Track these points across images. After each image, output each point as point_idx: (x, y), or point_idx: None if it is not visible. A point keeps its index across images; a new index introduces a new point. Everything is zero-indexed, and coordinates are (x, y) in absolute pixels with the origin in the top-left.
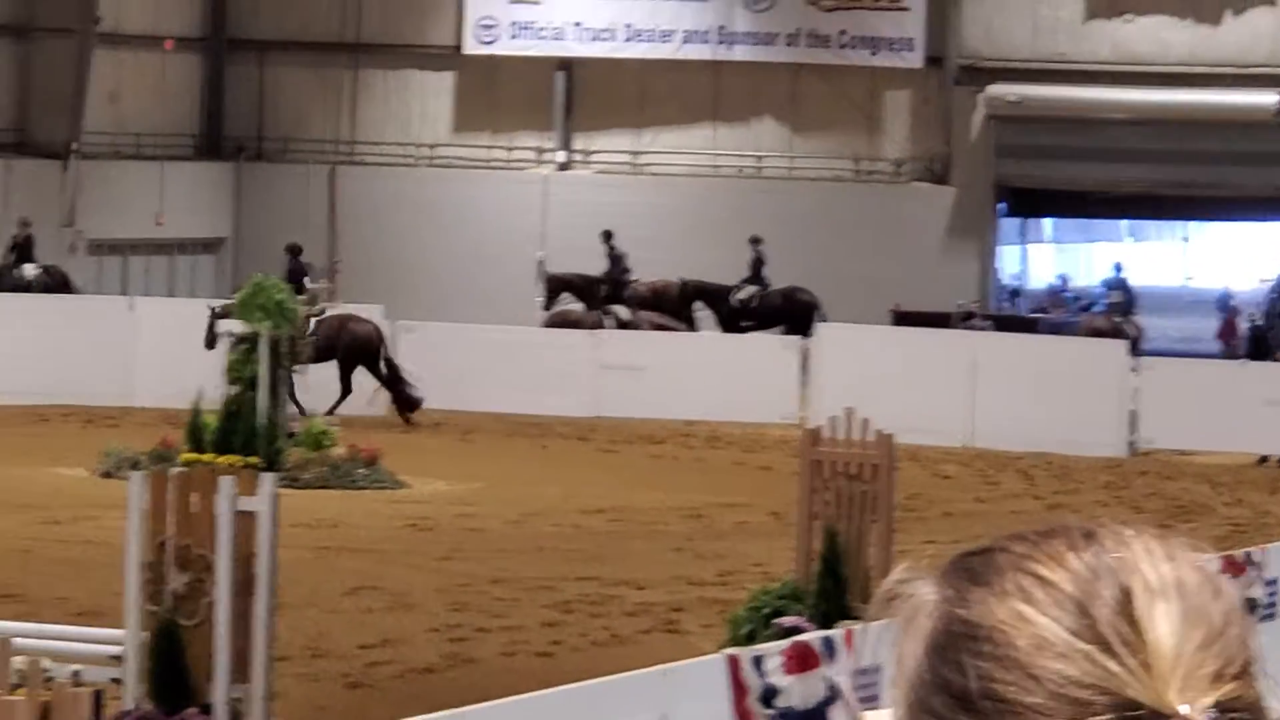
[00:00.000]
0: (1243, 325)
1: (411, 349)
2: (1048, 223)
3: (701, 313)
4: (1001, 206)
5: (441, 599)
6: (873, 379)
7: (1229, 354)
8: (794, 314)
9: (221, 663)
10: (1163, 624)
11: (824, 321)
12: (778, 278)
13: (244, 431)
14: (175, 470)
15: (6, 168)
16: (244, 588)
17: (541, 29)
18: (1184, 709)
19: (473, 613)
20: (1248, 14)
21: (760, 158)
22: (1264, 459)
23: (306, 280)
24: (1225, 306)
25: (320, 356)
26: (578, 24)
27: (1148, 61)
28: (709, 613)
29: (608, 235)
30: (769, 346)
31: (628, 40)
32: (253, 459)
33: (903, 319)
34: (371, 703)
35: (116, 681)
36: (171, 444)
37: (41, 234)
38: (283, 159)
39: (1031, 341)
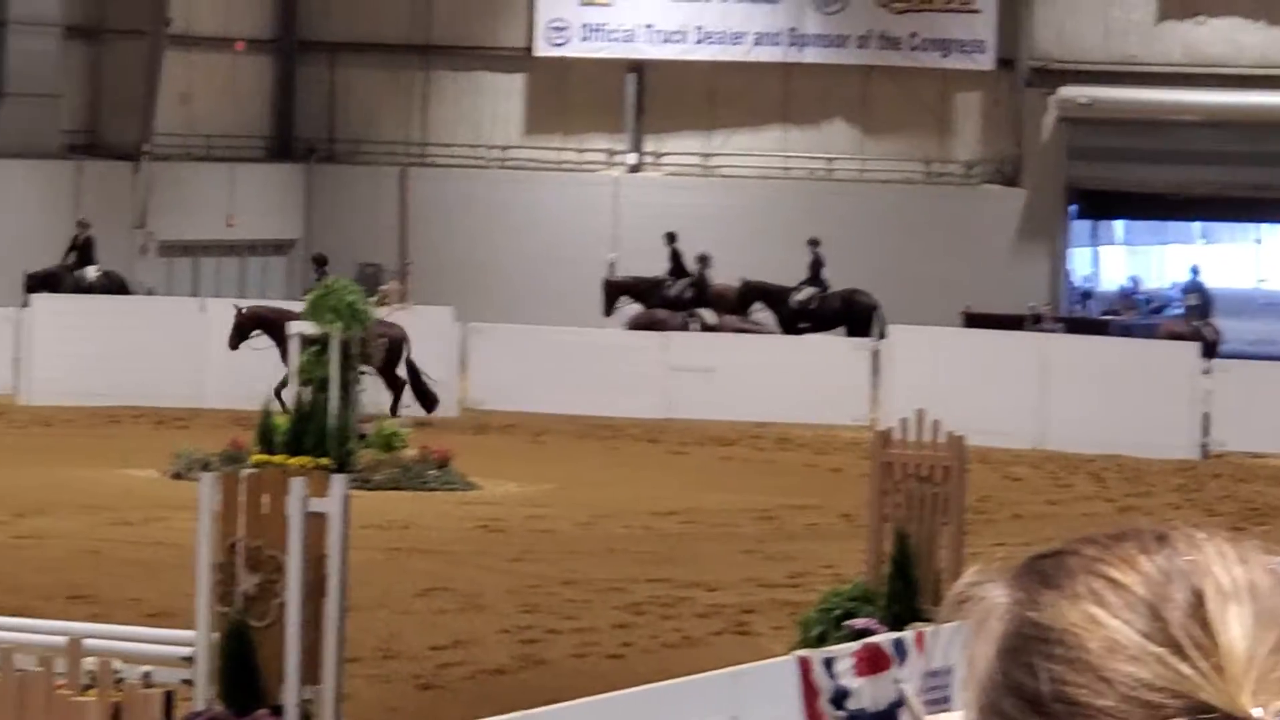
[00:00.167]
0: None
1: (482, 351)
2: (1119, 225)
3: (761, 314)
4: (1073, 209)
5: (513, 600)
6: (943, 381)
7: None
8: (853, 316)
9: (292, 664)
10: (1235, 627)
11: (882, 324)
12: (849, 279)
13: (315, 433)
14: (246, 471)
15: (78, 169)
16: (315, 589)
17: (612, 31)
18: (1257, 712)
19: (544, 614)
20: None
21: (831, 160)
22: None
23: None
24: None
25: None
26: (649, 26)
27: (1220, 63)
28: (780, 615)
29: (671, 237)
30: (839, 348)
31: (699, 42)
32: (324, 460)
33: (973, 321)
34: (442, 704)
35: (187, 683)
36: (242, 445)
37: (113, 235)
38: (354, 161)
39: (1103, 344)
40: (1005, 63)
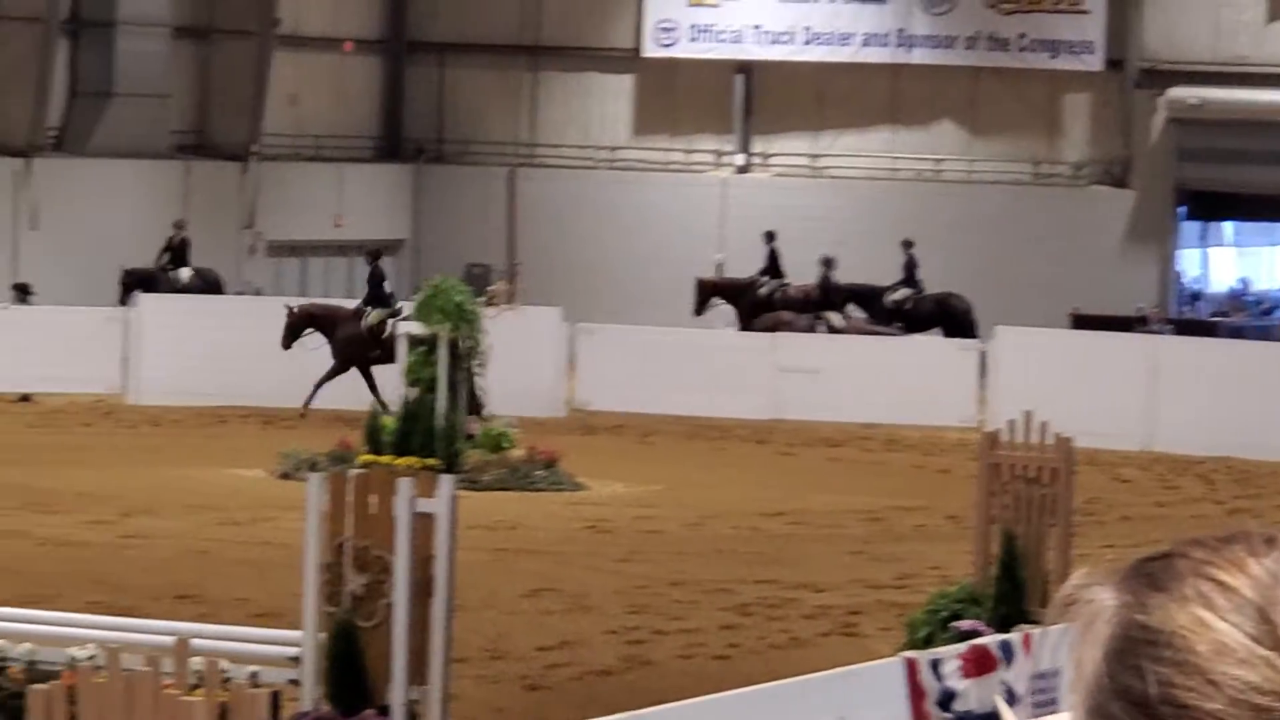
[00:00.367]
0: None
1: (590, 351)
2: (1228, 226)
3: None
4: (1181, 210)
5: (620, 601)
6: (1051, 382)
7: None
8: (946, 319)
9: (399, 664)
10: None
11: (973, 326)
12: (955, 281)
13: (422, 433)
14: (354, 472)
15: (186, 169)
16: (422, 589)
17: (720, 32)
18: None
19: (651, 615)
20: None
21: (939, 161)
22: None
23: (385, 285)
24: None
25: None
26: (757, 27)
27: None
28: (887, 616)
29: (769, 236)
30: (947, 349)
31: (807, 43)
32: (431, 460)
33: (1081, 322)
34: (549, 705)
35: (294, 683)
36: (350, 445)
37: (220, 235)
38: (462, 161)
39: (1212, 345)
40: (1114, 64)
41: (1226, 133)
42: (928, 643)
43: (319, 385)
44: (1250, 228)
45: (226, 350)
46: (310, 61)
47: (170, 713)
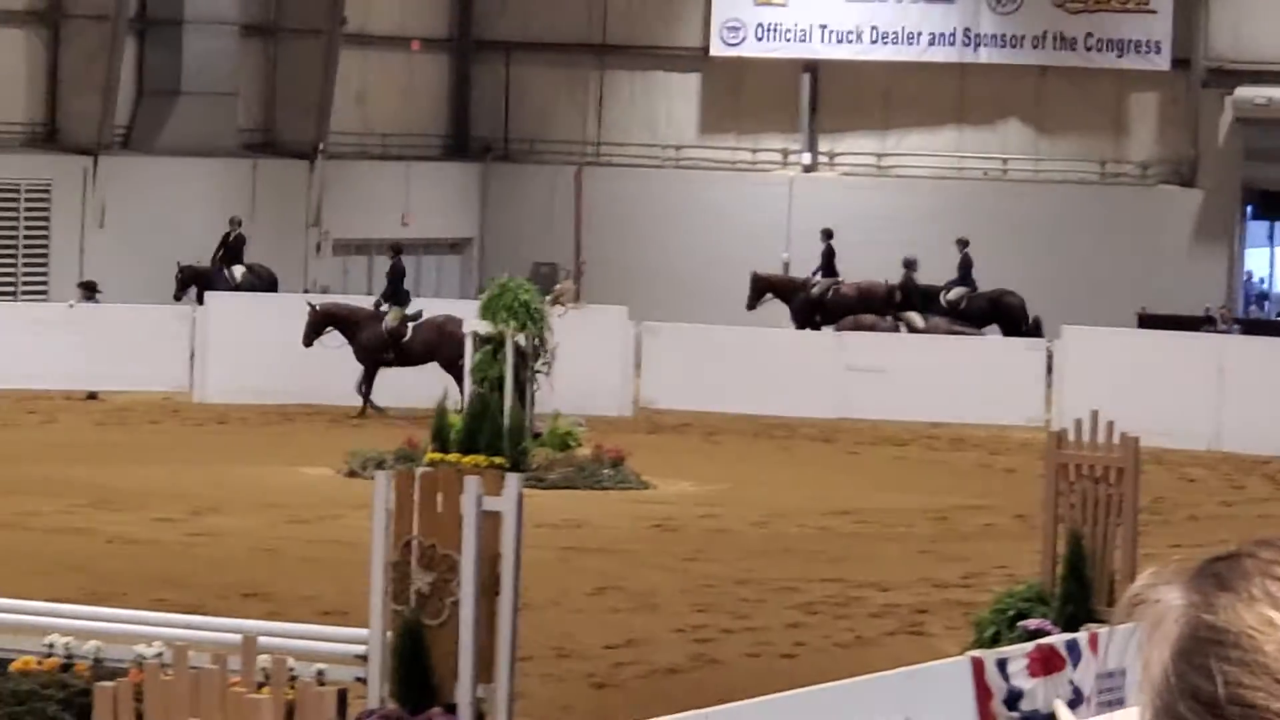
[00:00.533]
0: None
1: (656, 350)
2: None
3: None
4: (1249, 209)
5: (686, 600)
6: (1118, 382)
7: None
8: (1001, 317)
9: (466, 662)
10: None
11: (1028, 323)
12: (1021, 280)
13: (489, 432)
14: (421, 470)
15: (254, 167)
16: (489, 588)
17: (787, 31)
18: None
19: (717, 614)
20: None
21: (1005, 160)
22: None
23: (404, 281)
24: None
25: (420, 359)
26: (823, 26)
27: None
28: (953, 615)
29: (827, 234)
30: (1014, 349)
31: (873, 42)
32: (498, 459)
33: (1148, 322)
34: (616, 703)
35: (361, 681)
36: (416, 444)
37: (287, 233)
38: (528, 159)
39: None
40: (1181, 63)
41: None
42: (994, 642)
43: (363, 392)
44: None
45: (293, 348)
46: (377, 60)
47: (237, 711)
